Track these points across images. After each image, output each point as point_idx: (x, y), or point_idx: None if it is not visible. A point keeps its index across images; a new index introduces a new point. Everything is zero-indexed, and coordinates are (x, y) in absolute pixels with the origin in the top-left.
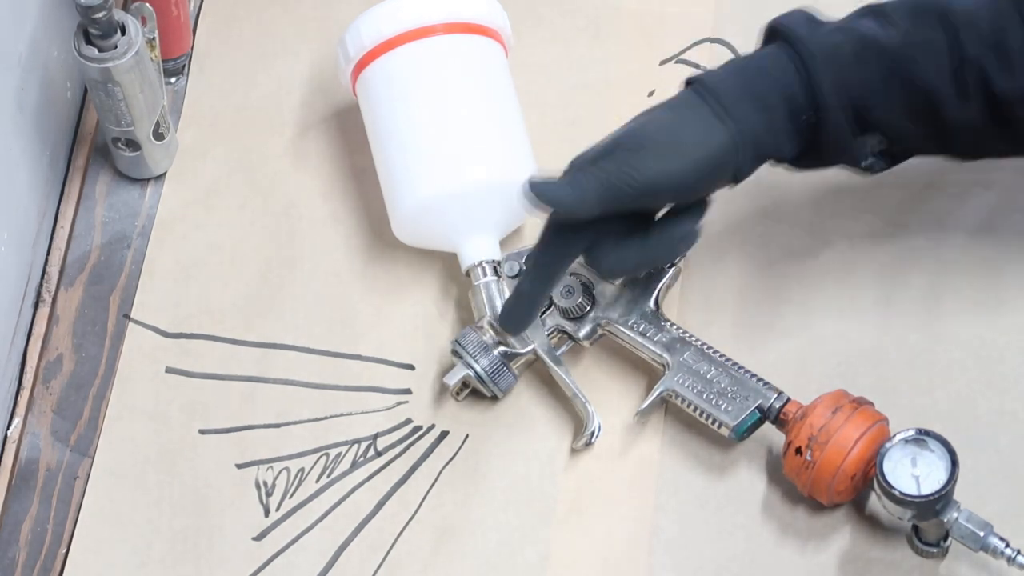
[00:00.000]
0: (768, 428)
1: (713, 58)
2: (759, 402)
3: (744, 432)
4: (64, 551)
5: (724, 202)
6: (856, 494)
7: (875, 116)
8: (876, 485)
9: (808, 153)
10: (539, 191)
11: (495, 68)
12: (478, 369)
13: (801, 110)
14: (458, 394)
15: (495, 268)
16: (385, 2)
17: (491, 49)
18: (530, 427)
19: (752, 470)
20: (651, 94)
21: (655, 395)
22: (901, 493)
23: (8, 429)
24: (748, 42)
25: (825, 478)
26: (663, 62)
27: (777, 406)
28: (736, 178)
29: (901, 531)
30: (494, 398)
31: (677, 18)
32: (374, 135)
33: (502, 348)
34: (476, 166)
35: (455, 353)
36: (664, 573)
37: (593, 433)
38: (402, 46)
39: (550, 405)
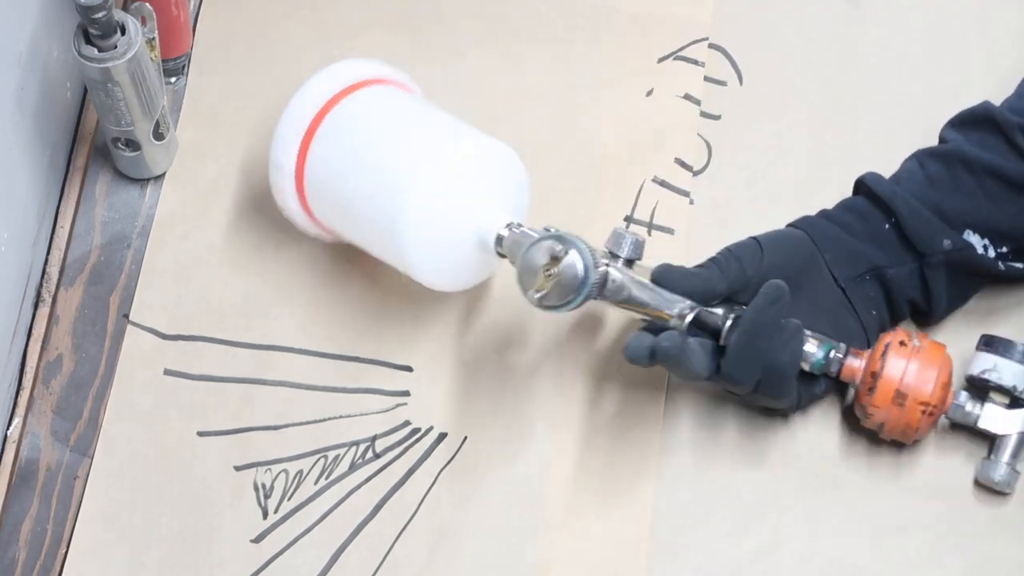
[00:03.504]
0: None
1: (712, 57)
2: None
3: (820, 364)
4: (64, 551)
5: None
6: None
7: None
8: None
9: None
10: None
11: (392, 97)
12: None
13: (873, 216)
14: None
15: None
16: (283, 118)
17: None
18: (529, 429)
19: (752, 472)
20: (649, 93)
21: None
22: None
23: (8, 429)
24: (747, 44)
25: (936, 360)
26: (661, 59)
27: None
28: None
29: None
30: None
31: (676, 20)
32: (348, 229)
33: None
34: (437, 174)
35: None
36: (663, 574)
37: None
38: (320, 131)
39: (550, 406)
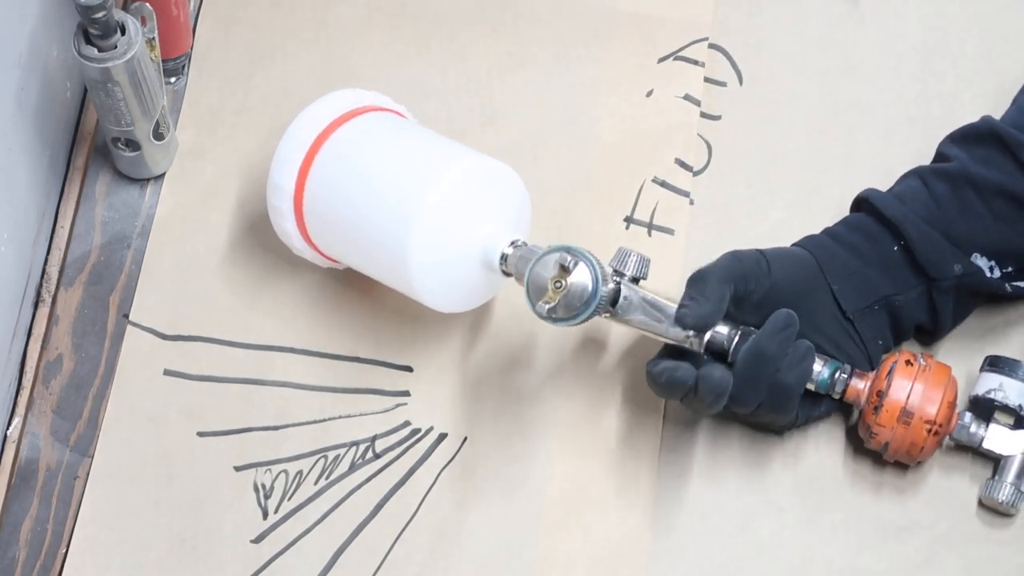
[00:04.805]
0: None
1: (712, 57)
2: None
3: (825, 384)
4: (64, 551)
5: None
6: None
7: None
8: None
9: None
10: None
11: (394, 122)
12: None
13: (881, 237)
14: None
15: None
16: (278, 155)
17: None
18: (529, 429)
19: (751, 472)
20: (649, 94)
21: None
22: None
23: (8, 429)
24: (747, 45)
25: (942, 380)
26: (661, 59)
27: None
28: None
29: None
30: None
31: (676, 20)
32: (349, 253)
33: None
34: (436, 194)
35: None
36: (663, 574)
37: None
38: (319, 157)
39: (550, 406)
